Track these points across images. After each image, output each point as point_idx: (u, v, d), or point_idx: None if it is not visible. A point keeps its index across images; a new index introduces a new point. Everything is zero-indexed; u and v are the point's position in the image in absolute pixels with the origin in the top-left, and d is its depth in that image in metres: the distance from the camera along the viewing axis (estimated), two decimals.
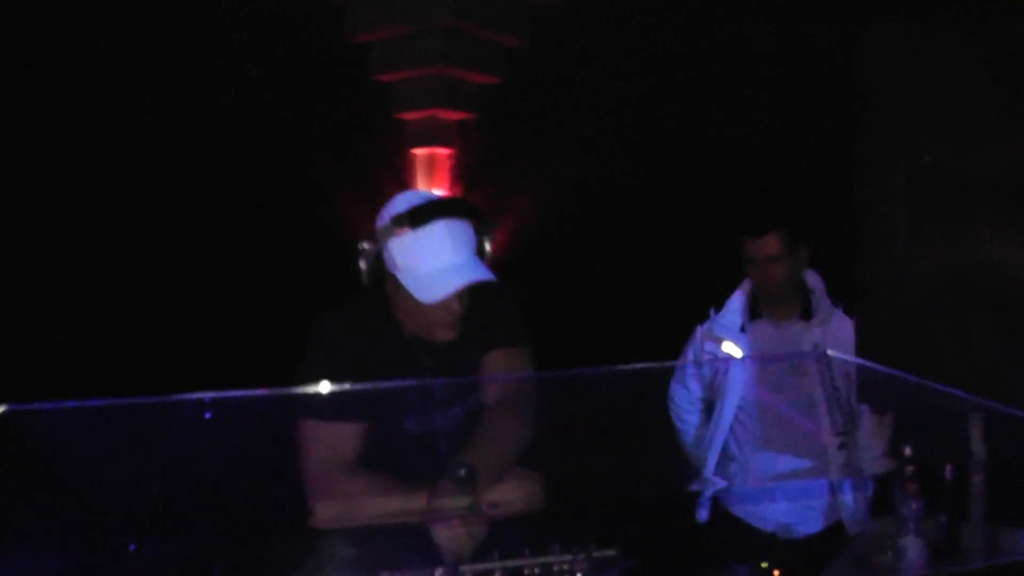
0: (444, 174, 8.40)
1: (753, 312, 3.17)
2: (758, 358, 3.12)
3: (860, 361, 1.91)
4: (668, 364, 2.12)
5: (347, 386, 2.03)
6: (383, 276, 2.13)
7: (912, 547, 1.67)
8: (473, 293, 2.12)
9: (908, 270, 1.68)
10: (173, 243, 6.32)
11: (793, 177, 5.90)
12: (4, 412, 1.55)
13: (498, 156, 8.09)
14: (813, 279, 3.15)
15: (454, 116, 8.16)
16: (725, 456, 3.16)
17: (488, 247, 2.12)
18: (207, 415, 1.69)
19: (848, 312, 2.99)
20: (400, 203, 2.10)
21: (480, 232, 2.10)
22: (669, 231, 6.43)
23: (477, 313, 2.19)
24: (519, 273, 7.85)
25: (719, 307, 3.23)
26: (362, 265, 2.13)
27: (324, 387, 2.05)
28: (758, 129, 6.36)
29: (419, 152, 8.32)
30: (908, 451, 1.69)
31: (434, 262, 2.02)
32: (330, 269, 7.14)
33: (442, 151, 8.34)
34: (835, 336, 2.99)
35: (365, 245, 2.12)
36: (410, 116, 8.10)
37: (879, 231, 1.76)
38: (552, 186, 7.52)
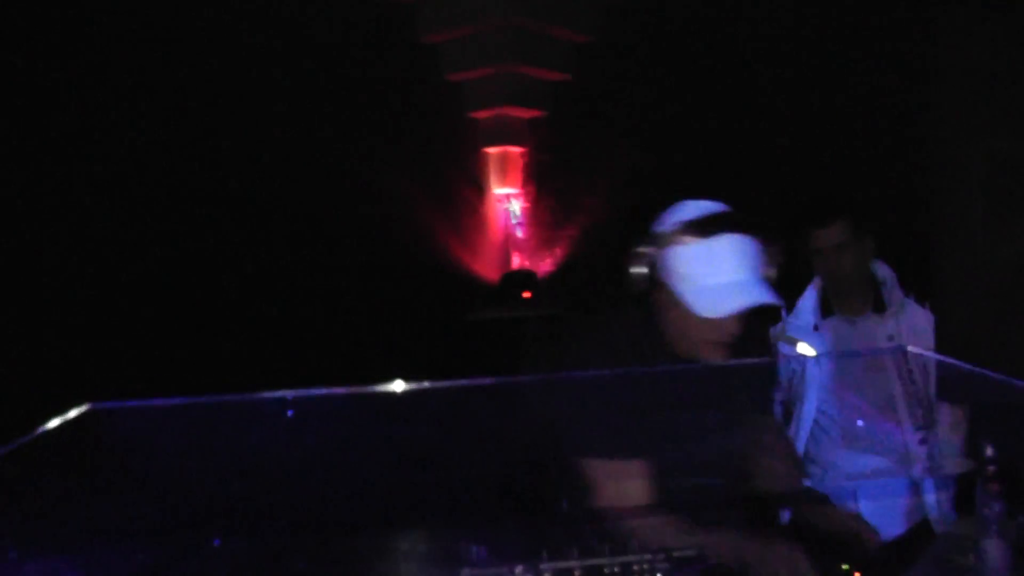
0: (516, 172, 8.44)
1: (825, 309, 3.11)
2: (833, 356, 3.06)
3: (939, 356, 1.86)
4: (740, 362, 2.04)
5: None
6: (655, 284, 1.99)
7: (994, 549, 1.62)
8: (751, 319, 1.99)
9: (985, 260, 1.64)
10: (252, 246, 6.45)
11: (869, 167, 5.78)
12: (88, 410, 1.58)
13: (570, 153, 8.09)
14: (883, 270, 3.07)
15: (525, 114, 8.19)
16: (806, 458, 3.12)
17: (773, 270, 1.97)
18: (289, 413, 1.72)
19: (921, 301, 2.92)
20: (687, 210, 1.96)
21: (767, 253, 1.96)
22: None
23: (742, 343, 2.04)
24: (592, 270, 7.85)
25: (790, 308, 3.17)
26: (634, 270, 1.99)
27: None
28: (834, 117, 6.24)
29: (491, 151, 8.37)
30: (990, 450, 1.64)
31: (720, 276, 1.89)
32: (404, 267, 7.26)
33: (514, 149, 8.37)
34: (911, 327, 2.92)
35: (641, 249, 1.98)
36: (482, 115, 8.16)
37: (955, 220, 1.71)
38: (625, 182, 7.49)
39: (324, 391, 1.71)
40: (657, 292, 1.97)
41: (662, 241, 1.93)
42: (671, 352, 2.03)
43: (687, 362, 2.02)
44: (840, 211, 2.94)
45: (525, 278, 8.01)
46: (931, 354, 2.39)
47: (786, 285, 3.00)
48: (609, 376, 2.03)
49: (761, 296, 1.89)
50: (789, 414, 3.13)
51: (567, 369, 2.09)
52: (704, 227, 1.88)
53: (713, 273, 1.88)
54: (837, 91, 6.26)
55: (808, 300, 3.14)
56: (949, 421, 2.82)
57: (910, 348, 2.35)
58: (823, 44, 6.31)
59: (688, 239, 1.89)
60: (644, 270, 1.96)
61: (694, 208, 1.95)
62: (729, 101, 6.93)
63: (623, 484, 1.98)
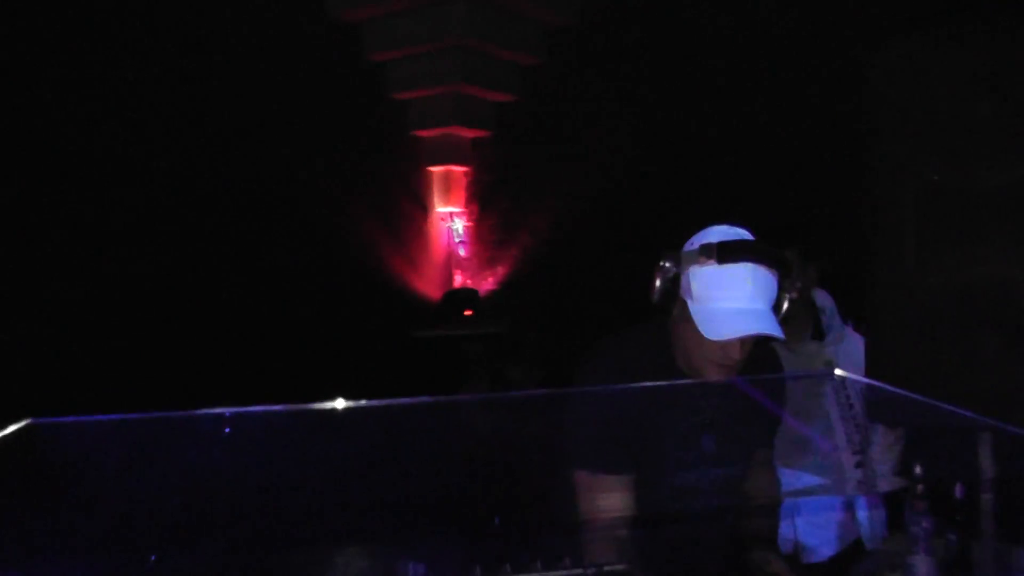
0: (460, 191, 8.47)
1: None
2: (776, 378, 3.12)
3: (869, 380, 1.93)
4: (680, 382, 2.10)
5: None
6: (673, 298, 2.05)
7: (922, 566, 1.67)
8: (757, 351, 2.05)
9: (916, 288, 1.70)
10: (190, 258, 6.37)
11: (802, 195, 5.91)
12: (27, 425, 1.57)
13: (513, 173, 8.14)
14: (823, 298, 3.14)
15: (469, 134, 8.22)
16: None
17: (786, 305, 2.04)
18: (227, 430, 1.71)
19: (858, 329, 2.99)
20: (713, 234, 2.02)
21: (782, 287, 2.02)
22: (681, 246, 6.46)
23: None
24: (534, 288, 7.90)
25: None
26: (656, 283, 2.05)
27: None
28: (767, 147, 6.38)
29: (435, 169, 8.39)
30: (918, 470, 1.69)
31: (730, 301, 1.96)
32: (348, 283, 7.23)
33: (458, 168, 8.41)
34: (848, 354, 2.98)
35: (665, 264, 2.04)
36: (426, 134, 8.18)
37: (888, 250, 1.77)
38: (566, 202, 7.56)
39: (263, 408, 1.71)
40: (674, 308, 2.04)
41: (685, 260, 2.00)
42: (678, 369, 2.10)
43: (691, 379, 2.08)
44: (785, 240, 3.00)
45: (467, 296, 8.02)
46: (863, 378, 2.46)
47: None
48: (606, 391, 2.09)
49: (765, 327, 1.95)
50: None
51: (583, 385, 2.14)
52: (725, 252, 1.95)
53: (725, 297, 1.95)
54: (774, 120, 6.40)
55: None
56: (883, 443, 2.90)
57: (842, 373, 2.41)
58: (763, 73, 6.46)
59: (708, 261, 1.94)
60: (665, 284, 2.02)
61: (721, 232, 2.02)
62: (670, 125, 7.05)
63: (604, 497, 2.03)
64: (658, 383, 2.11)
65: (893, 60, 1.79)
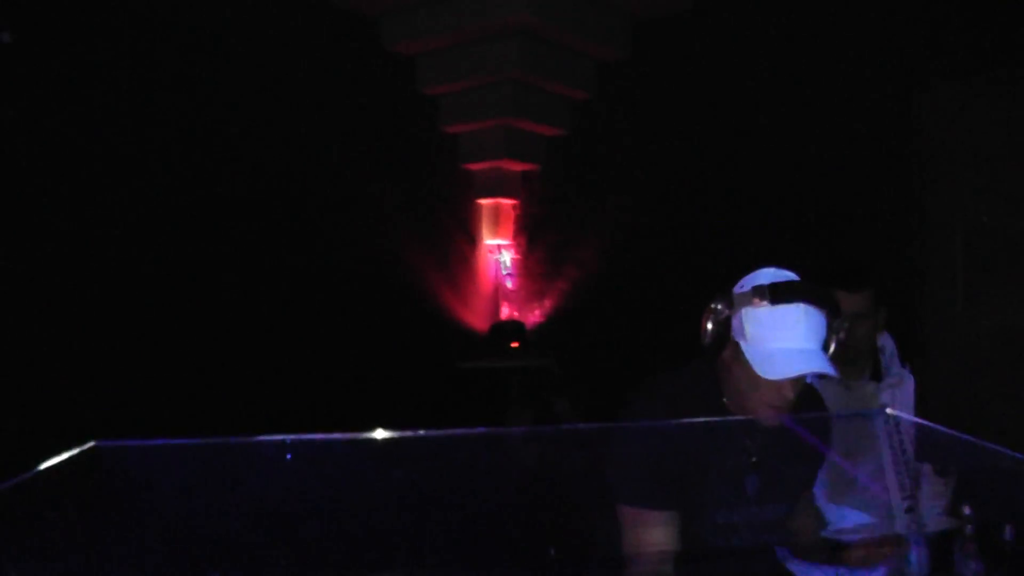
0: (508, 224, 8.53)
1: None
2: (827, 417, 3.11)
3: (920, 420, 1.93)
4: (727, 419, 2.13)
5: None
6: (725, 341, 2.12)
7: None
8: (809, 391, 2.12)
9: (966, 331, 1.71)
10: (244, 289, 6.48)
11: (854, 237, 5.88)
12: (94, 447, 1.62)
13: (561, 207, 8.19)
14: (884, 339, 3.13)
15: (519, 167, 8.30)
16: None
17: (834, 345, 2.10)
18: (288, 456, 1.76)
19: (910, 369, 2.98)
20: (763, 276, 2.10)
21: (832, 328, 2.09)
22: (730, 283, 6.44)
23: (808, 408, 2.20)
24: (580, 322, 7.91)
25: None
26: (708, 325, 2.12)
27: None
28: (818, 188, 6.35)
29: (484, 202, 8.47)
30: (967, 511, 1.69)
31: (784, 341, 2.02)
32: (396, 313, 7.30)
33: (507, 201, 8.47)
34: (905, 397, 2.97)
35: (717, 306, 2.12)
36: (476, 167, 8.26)
37: (938, 292, 1.79)
38: (614, 237, 7.59)
39: (322, 436, 1.76)
40: (725, 349, 2.10)
41: (737, 302, 2.07)
42: (728, 410, 2.15)
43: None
44: (868, 280, 2.98)
45: (514, 329, 8.06)
46: (913, 418, 2.46)
47: None
48: (652, 426, 2.14)
49: (819, 365, 2.02)
50: None
51: (631, 419, 2.20)
52: (777, 293, 2.02)
53: (779, 338, 2.02)
54: (825, 160, 6.38)
55: None
56: (933, 486, 2.88)
57: (894, 412, 2.41)
58: (814, 112, 6.45)
59: (761, 302, 2.01)
60: (716, 327, 2.09)
61: (771, 275, 2.10)
62: (720, 163, 7.05)
63: (647, 532, 2.06)
64: (704, 419, 2.14)
65: (944, 104, 1.81)
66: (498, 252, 8.49)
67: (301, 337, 6.67)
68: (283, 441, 1.73)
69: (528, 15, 6.86)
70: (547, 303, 8.31)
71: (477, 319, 8.24)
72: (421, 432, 1.87)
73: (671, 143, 7.40)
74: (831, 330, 2.07)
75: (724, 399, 2.15)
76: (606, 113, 7.87)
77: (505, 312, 8.41)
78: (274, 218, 6.68)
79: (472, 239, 8.44)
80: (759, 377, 2.02)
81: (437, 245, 8.01)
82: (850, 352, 3.11)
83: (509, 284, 8.45)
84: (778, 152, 6.64)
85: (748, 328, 2.03)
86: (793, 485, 2.27)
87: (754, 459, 2.15)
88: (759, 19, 6.70)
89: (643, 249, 7.32)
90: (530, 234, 8.49)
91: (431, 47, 7.51)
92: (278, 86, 6.73)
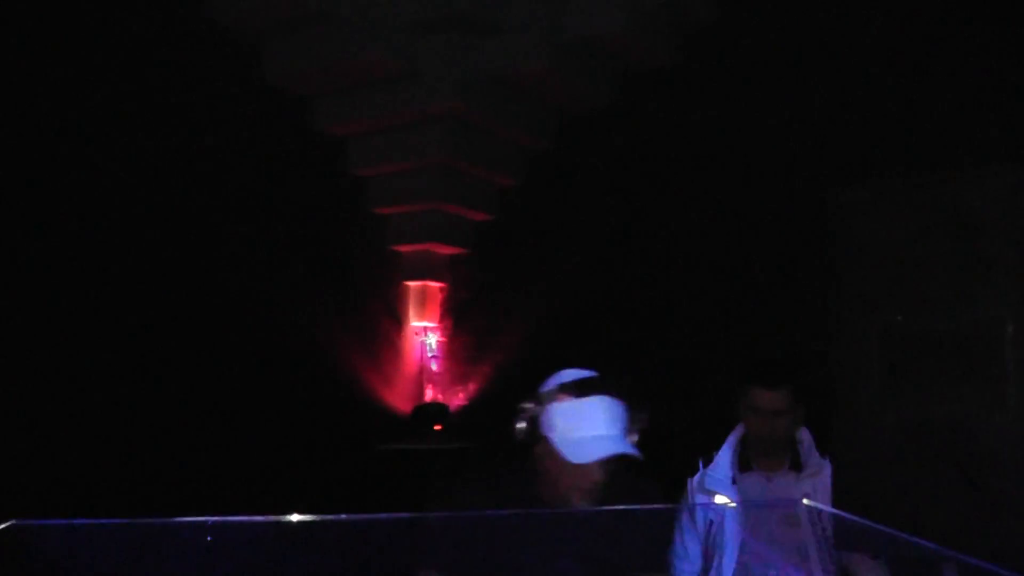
0: (435, 306, 8.55)
1: (743, 464, 3.23)
2: (749, 508, 3.17)
3: (835, 511, 2.01)
4: (663, 507, 2.28)
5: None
6: (536, 437, 2.33)
7: None
8: (615, 480, 2.28)
9: (880, 424, 1.78)
10: (165, 369, 6.36)
11: (771, 333, 6.05)
12: (9, 526, 1.59)
13: (488, 291, 8.25)
14: (803, 433, 3.22)
15: (447, 251, 8.36)
16: None
17: (635, 433, 2.30)
18: (208, 539, 1.74)
19: (828, 459, 3.06)
20: (565, 376, 2.33)
21: (632, 418, 2.30)
22: (653, 372, 6.54)
23: (616, 498, 2.34)
24: (506, 406, 7.91)
25: (708, 460, 3.28)
26: (519, 424, 2.35)
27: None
28: (739, 284, 6.55)
29: (412, 284, 8.48)
30: None
31: (589, 429, 2.23)
32: (319, 394, 7.22)
33: (434, 284, 8.51)
34: (822, 487, 3.05)
35: (527, 405, 2.34)
36: (405, 248, 8.30)
37: (853, 387, 1.86)
38: (539, 322, 7.66)
39: (244, 518, 1.74)
40: (537, 444, 2.33)
41: (544, 399, 2.31)
42: (544, 502, 2.30)
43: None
44: (788, 378, 3.09)
45: (437, 411, 8.02)
46: (829, 508, 2.53)
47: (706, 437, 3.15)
48: (473, 516, 2.32)
49: (622, 447, 2.23)
50: (709, 563, 3.22)
51: (455, 510, 2.38)
52: (579, 389, 2.27)
53: (583, 427, 2.24)
54: (747, 256, 6.59)
55: (725, 454, 3.27)
56: (871, 571, 2.94)
57: (810, 503, 2.48)
58: (735, 209, 6.67)
59: (565, 398, 2.26)
60: (527, 424, 2.34)
61: (572, 374, 2.34)
62: (643, 256, 7.22)
63: None
64: (520, 510, 2.35)
65: (856, 203, 1.92)
66: (424, 334, 8.49)
67: (221, 417, 6.54)
68: (204, 523, 1.71)
69: (458, 103, 7.00)
70: (471, 386, 8.31)
71: (401, 401, 8.18)
72: (342, 516, 1.87)
73: (596, 233, 7.55)
74: (632, 420, 2.29)
75: (540, 490, 2.37)
76: (534, 200, 8.01)
77: (429, 394, 8.38)
78: (196, 295, 6.59)
79: (399, 320, 8.43)
80: (570, 464, 2.21)
81: (363, 325, 7.98)
82: (768, 445, 3.19)
83: (434, 366, 8.44)
84: (698, 248, 6.84)
85: (557, 421, 2.25)
86: (619, 570, 2.40)
87: (571, 547, 2.32)
88: (679, 117, 6.96)
89: (566, 336, 7.39)
90: (456, 317, 8.52)
91: (362, 129, 7.59)
92: (205, 161, 6.71)
